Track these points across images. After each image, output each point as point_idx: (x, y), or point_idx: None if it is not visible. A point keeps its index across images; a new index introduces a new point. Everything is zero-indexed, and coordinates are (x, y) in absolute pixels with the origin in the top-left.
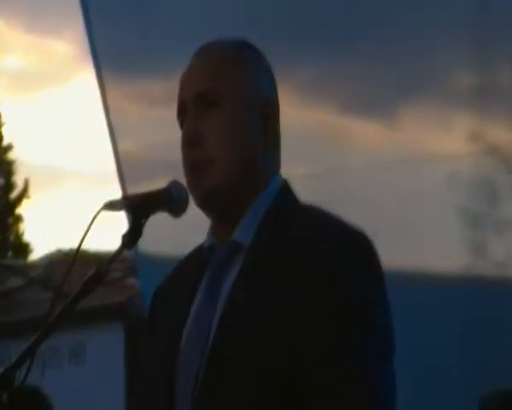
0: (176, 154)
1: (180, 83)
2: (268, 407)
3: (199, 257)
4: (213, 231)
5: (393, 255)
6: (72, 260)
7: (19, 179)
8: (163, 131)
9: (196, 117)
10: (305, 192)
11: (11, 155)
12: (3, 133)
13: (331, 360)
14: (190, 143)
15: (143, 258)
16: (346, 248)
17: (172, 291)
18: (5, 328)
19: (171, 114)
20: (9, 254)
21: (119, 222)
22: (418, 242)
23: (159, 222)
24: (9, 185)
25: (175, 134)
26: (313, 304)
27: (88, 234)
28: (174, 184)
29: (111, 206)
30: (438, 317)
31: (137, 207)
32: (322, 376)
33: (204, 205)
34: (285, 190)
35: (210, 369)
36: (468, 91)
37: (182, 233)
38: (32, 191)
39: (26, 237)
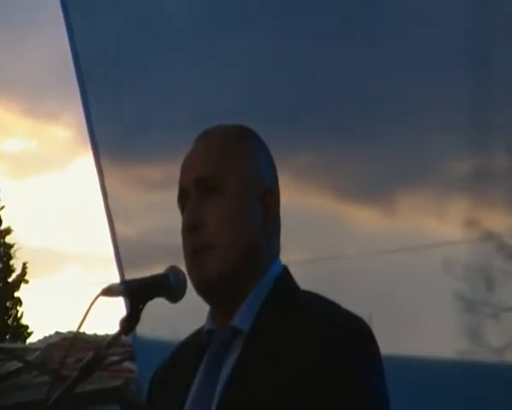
0: (174, 239)
1: (181, 167)
2: None
3: (197, 342)
4: (212, 316)
5: (389, 341)
6: (69, 345)
7: (17, 263)
8: (162, 216)
9: (197, 202)
10: (302, 278)
11: (10, 239)
12: (2, 217)
13: None
14: (191, 229)
15: (141, 343)
16: (347, 335)
17: (170, 375)
18: None
19: (169, 198)
20: (8, 337)
21: (118, 306)
22: (414, 327)
23: (157, 307)
24: (8, 269)
25: (174, 219)
26: (316, 389)
27: (86, 319)
28: (172, 270)
29: (109, 291)
30: (434, 402)
31: (135, 293)
32: None
33: (203, 292)
34: (284, 276)
35: None
36: (464, 177)
37: (180, 319)
38: (30, 275)
39: (25, 321)
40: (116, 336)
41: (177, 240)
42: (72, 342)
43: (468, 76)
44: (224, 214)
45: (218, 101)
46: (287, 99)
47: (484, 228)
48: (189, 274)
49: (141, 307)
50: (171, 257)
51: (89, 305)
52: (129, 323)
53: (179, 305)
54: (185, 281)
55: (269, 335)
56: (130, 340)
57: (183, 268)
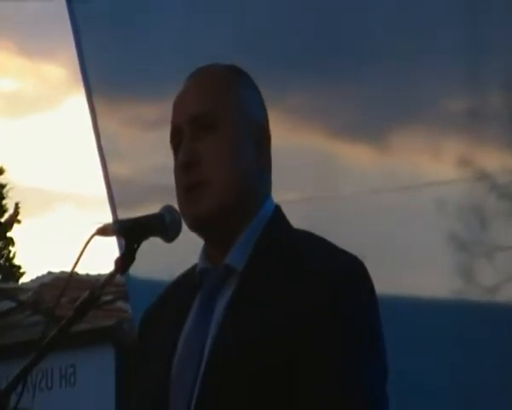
0: (169, 178)
1: (174, 106)
2: None
3: (190, 279)
4: (206, 254)
5: (382, 280)
6: (64, 284)
7: (10, 203)
8: (156, 156)
9: (192, 140)
10: (295, 217)
11: (2, 179)
12: None
13: (326, 376)
14: (186, 165)
15: (134, 282)
16: (342, 271)
17: (163, 313)
18: None
19: (163, 137)
20: (0, 277)
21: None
22: (407, 267)
23: (150, 246)
24: (0, 209)
25: (168, 159)
26: (308, 328)
27: (80, 259)
28: (167, 209)
29: (104, 231)
30: (426, 341)
31: (130, 232)
32: (316, 390)
33: (197, 228)
34: (277, 215)
35: (204, 391)
36: (458, 116)
37: (173, 258)
38: (23, 215)
39: (17, 261)
40: (111, 276)
41: (172, 180)
42: (67, 281)
43: (463, 13)
44: (219, 151)
45: (211, 42)
46: (279, 40)
47: (477, 167)
48: (182, 211)
49: (136, 246)
50: (166, 197)
51: (83, 244)
52: (124, 262)
53: (172, 245)
54: (180, 220)
55: (262, 274)
56: (124, 280)
57: (178, 207)
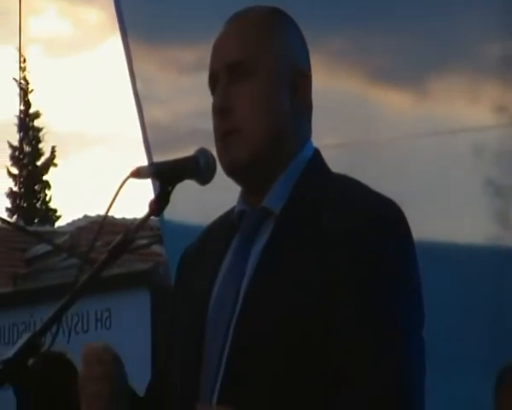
0: (205, 123)
1: (212, 50)
2: (297, 362)
3: (228, 222)
4: (244, 197)
5: (419, 225)
6: (98, 228)
7: (46, 146)
8: (191, 100)
9: (227, 86)
10: (334, 161)
11: (38, 123)
12: (31, 100)
13: (367, 320)
14: (220, 112)
15: (169, 226)
16: (379, 217)
17: (200, 256)
18: (31, 294)
19: (200, 82)
20: (36, 220)
21: (146, 190)
22: (444, 212)
23: (184, 190)
24: (37, 152)
25: (203, 102)
26: (349, 267)
27: (115, 201)
28: (201, 152)
29: (138, 173)
30: (462, 287)
31: (165, 175)
32: (354, 334)
33: (233, 174)
34: (316, 159)
35: (240, 330)
36: (495, 62)
37: (207, 200)
38: (59, 158)
39: (53, 204)
40: (145, 219)
41: (208, 124)
42: (101, 225)
43: None
44: (253, 98)
45: None
46: None
47: None
48: (219, 156)
49: (170, 189)
50: (201, 141)
51: (118, 187)
52: (158, 205)
53: (205, 189)
54: (214, 163)
55: (299, 218)
56: (159, 223)
57: (214, 152)
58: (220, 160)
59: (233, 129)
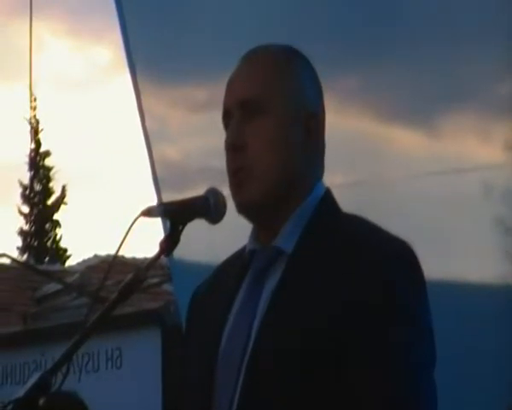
0: (214, 161)
1: (226, 87)
2: (310, 402)
3: (240, 261)
4: (255, 236)
5: (429, 265)
6: (109, 266)
7: (56, 185)
8: (203, 138)
9: (240, 123)
10: (345, 201)
11: (49, 161)
12: (41, 139)
13: (379, 360)
14: (232, 149)
15: (178, 265)
16: (394, 260)
17: (211, 295)
18: (41, 333)
19: (211, 120)
20: (46, 259)
21: (156, 230)
22: (453, 252)
23: (193, 230)
24: (47, 191)
25: (216, 141)
26: (363, 308)
27: (125, 240)
28: (212, 192)
29: (149, 212)
30: (472, 326)
31: (175, 214)
32: (369, 374)
33: (244, 213)
34: (327, 199)
35: (253, 368)
36: (506, 100)
37: (217, 240)
38: (70, 197)
39: (63, 243)
40: (156, 258)
41: (219, 163)
42: (111, 264)
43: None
44: (265, 137)
45: (263, 23)
46: (332, 22)
47: None
48: (232, 194)
49: (180, 228)
50: (212, 180)
51: (128, 226)
52: (168, 244)
53: (216, 228)
54: (225, 203)
55: (311, 258)
56: (168, 262)
57: (225, 191)
58: (233, 197)
59: (245, 166)
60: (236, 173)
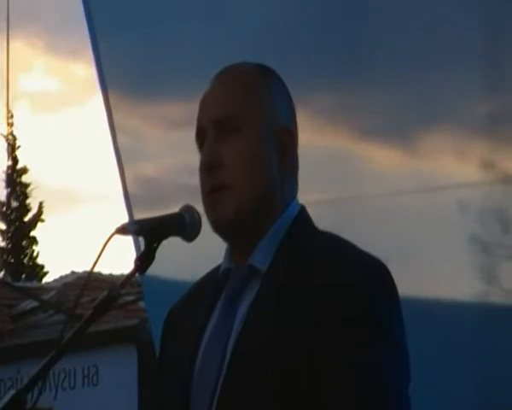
0: (190, 178)
1: (200, 106)
2: None
3: (214, 281)
4: (230, 255)
5: (404, 283)
6: (84, 283)
7: (33, 202)
8: (178, 155)
9: (215, 142)
10: (320, 218)
11: (26, 178)
12: (18, 156)
13: (352, 379)
14: (208, 168)
15: (150, 282)
16: (367, 279)
17: (187, 312)
18: (18, 350)
19: (186, 137)
20: (23, 276)
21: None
22: (429, 269)
23: (167, 246)
24: (24, 208)
25: (189, 158)
26: (336, 326)
27: (100, 258)
28: (187, 209)
29: (124, 230)
30: (449, 344)
31: (150, 232)
32: (342, 394)
33: (220, 230)
34: (302, 216)
35: (227, 388)
36: (482, 119)
37: (189, 259)
38: (46, 214)
39: (40, 260)
40: (130, 276)
41: (194, 180)
42: (86, 281)
43: (485, 16)
44: (241, 155)
45: (235, 41)
46: (304, 40)
47: (500, 170)
48: (206, 213)
49: (155, 245)
50: (188, 197)
51: (103, 243)
52: (143, 262)
53: (188, 245)
54: (200, 220)
55: (286, 275)
56: (140, 280)
57: (200, 208)
58: (207, 215)
59: (222, 185)
60: (212, 192)
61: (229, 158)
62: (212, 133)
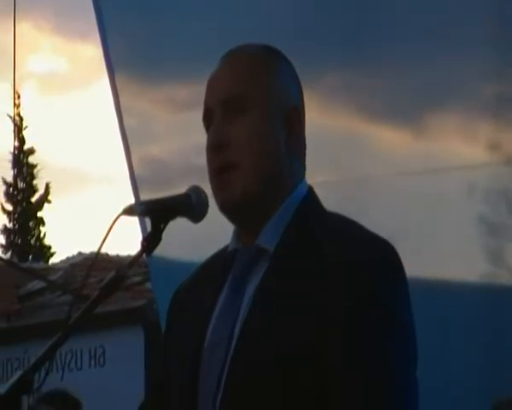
0: (199, 159)
1: (207, 87)
2: (293, 400)
3: (221, 261)
4: (237, 235)
5: (411, 264)
6: (91, 264)
7: (40, 183)
8: (187, 137)
9: (222, 122)
10: (328, 199)
11: (33, 159)
12: (25, 137)
13: (358, 362)
14: (216, 148)
15: (157, 262)
16: (374, 260)
17: (194, 292)
18: (25, 330)
19: (193, 119)
20: (30, 257)
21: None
22: (436, 250)
23: (174, 227)
24: (31, 189)
25: (197, 140)
26: (344, 307)
27: (107, 238)
28: (194, 190)
29: (130, 211)
30: (455, 325)
31: (157, 212)
32: (348, 377)
33: (228, 212)
34: (310, 197)
35: (235, 369)
36: (489, 100)
37: (196, 238)
38: (53, 195)
39: (47, 241)
40: (137, 256)
41: (201, 161)
42: (93, 262)
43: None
44: (248, 134)
45: (243, 21)
46: (315, 19)
47: (507, 151)
48: (214, 194)
49: (162, 226)
50: (195, 178)
51: (110, 224)
52: (150, 242)
53: (193, 226)
54: (207, 201)
55: (293, 256)
56: (146, 260)
57: (207, 189)
58: (215, 196)
59: (230, 164)
60: (220, 172)
61: (236, 137)
62: (219, 113)
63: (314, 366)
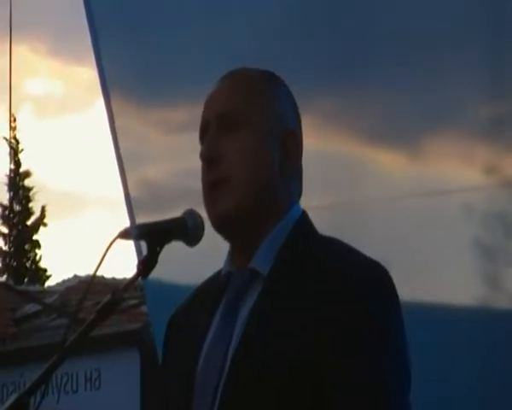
0: (192, 182)
1: (204, 104)
2: None
3: (216, 284)
4: (231, 258)
5: (407, 287)
6: (87, 287)
7: (36, 206)
8: (184, 159)
9: (216, 136)
10: (321, 223)
11: (29, 182)
12: (21, 159)
13: (353, 382)
14: (208, 162)
15: (152, 286)
16: (367, 282)
17: (190, 316)
18: (21, 354)
19: (189, 142)
20: (26, 280)
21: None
22: (432, 274)
23: (169, 250)
24: (27, 211)
25: (191, 163)
26: (337, 331)
27: (103, 261)
28: (190, 213)
29: (126, 234)
30: (451, 349)
31: (152, 236)
32: (343, 397)
33: (219, 226)
34: (303, 221)
35: (227, 394)
36: (486, 123)
37: (192, 262)
38: (49, 218)
39: (43, 264)
40: (133, 280)
41: (198, 184)
42: (89, 285)
43: (488, 19)
44: (242, 150)
45: (240, 44)
46: (307, 44)
47: (504, 174)
48: (206, 209)
49: (158, 249)
50: (190, 201)
51: (106, 247)
52: (146, 266)
53: (189, 249)
54: (202, 225)
55: (287, 280)
56: (142, 283)
57: (203, 213)
58: (207, 211)
59: (220, 179)
60: (212, 187)
61: (229, 152)
62: (214, 126)
63: (309, 391)
